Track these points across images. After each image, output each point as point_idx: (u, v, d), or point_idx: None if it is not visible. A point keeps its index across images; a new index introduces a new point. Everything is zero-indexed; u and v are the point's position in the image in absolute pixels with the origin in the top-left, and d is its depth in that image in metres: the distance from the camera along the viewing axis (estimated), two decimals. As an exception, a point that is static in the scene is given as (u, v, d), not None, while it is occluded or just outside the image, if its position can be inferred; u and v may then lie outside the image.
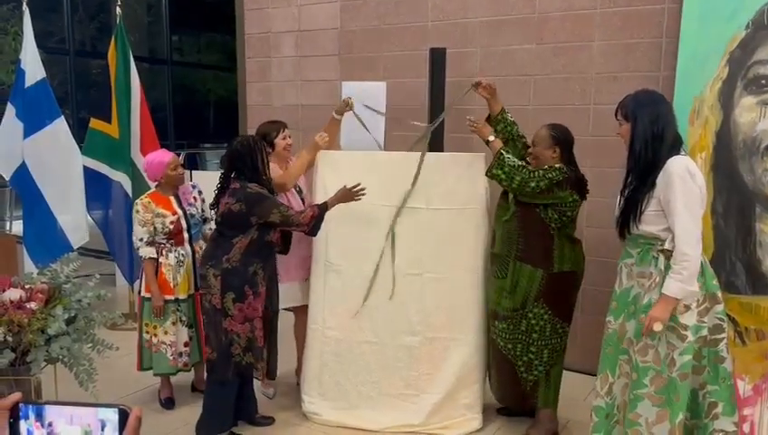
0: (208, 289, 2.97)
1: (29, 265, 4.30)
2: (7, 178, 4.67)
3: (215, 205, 3.08)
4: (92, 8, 10.26)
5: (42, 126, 4.49)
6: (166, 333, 3.32)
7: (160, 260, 3.30)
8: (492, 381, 3.27)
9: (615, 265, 3.65)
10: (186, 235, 3.35)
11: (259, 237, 2.96)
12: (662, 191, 2.39)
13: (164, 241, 3.31)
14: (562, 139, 2.97)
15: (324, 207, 3.04)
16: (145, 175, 4.48)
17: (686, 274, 2.34)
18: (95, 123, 4.75)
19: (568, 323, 3.06)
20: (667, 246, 2.41)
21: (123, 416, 0.75)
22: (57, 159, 4.52)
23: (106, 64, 4.71)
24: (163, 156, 3.36)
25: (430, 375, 3.19)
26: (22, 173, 4.53)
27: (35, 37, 4.54)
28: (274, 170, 3.28)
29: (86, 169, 4.62)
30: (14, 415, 0.75)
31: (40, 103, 4.48)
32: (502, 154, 2.94)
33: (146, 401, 3.54)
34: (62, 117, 4.58)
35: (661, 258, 2.43)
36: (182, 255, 3.33)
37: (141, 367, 3.42)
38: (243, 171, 2.98)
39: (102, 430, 0.75)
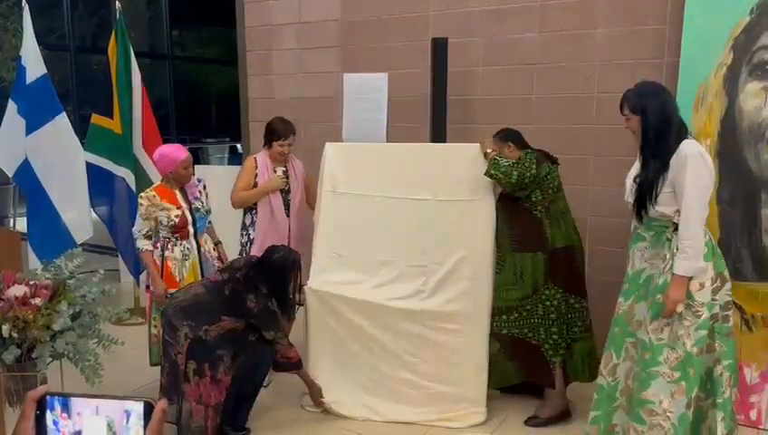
0: (176, 344, 2.84)
1: (33, 262, 4.31)
2: (11, 176, 4.67)
3: (236, 293, 2.93)
4: (92, 4, 10.23)
5: (44, 122, 4.48)
6: None
7: (165, 254, 3.29)
8: (502, 370, 3.19)
9: (620, 253, 3.65)
10: (191, 228, 3.33)
11: (244, 331, 2.91)
12: (675, 172, 2.50)
13: (169, 235, 3.29)
14: (509, 134, 3.21)
15: (300, 366, 3.10)
16: (148, 167, 4.52)
17: (691, 251, 2.47)
18: (97, 119, 4.74)
19: (583, 297, 3.14)
20: (677, 221, 2.53)
21: (148, 409, 0.75)
22: (60, 156, 4.52)
23: (107, 60, 4.70)
24: (178, 152, 3.30)
25: (435, 367, 3.18)
26: (25, 170, 4.52)
27: (35, 34, 4.52)
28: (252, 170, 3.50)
29: (89, 165, 4.62)
30: (41, 407, 0.76)
31: (41, 100, 4.47)
32: (495, 158, 3.10)
33: (152, 395, 3.55)
34: (64, 113, 4.57)
35: (674, 240, 2.54)
36: (187, 248, 3.32)
37: (152, 362, 3.43)
38: (269, 283, 2.94)
39: (127, 421, 0.75)
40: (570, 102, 3.73)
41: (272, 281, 2.94)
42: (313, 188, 3.54)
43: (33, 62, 4.47)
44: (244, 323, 2.90)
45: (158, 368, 3.41)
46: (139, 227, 3.28)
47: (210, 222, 3.55)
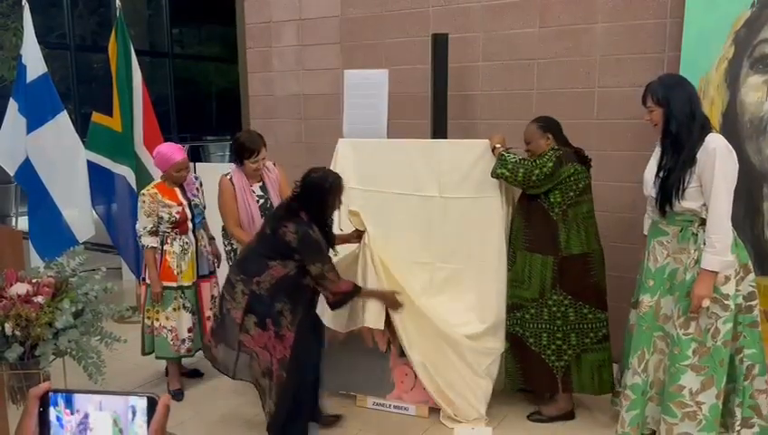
0: (232, 300, 2.80)
1: (35, 260, 4.31)
2: (12, 174, 4.67)
3: (275, 225, 2.79)
4: (92, 2, 10.23)
5: (44, 121, 4.48)
6: (167, 318, 3.39)
7: (165, 248, 3.37)
8: (510, 371, 3.18)
9: (622, 248, 3.64)
10: (190, 224, 3.42)
11: (296, 276, 2.78)
12: (702, 167, 2.49)
13: (169, 230, 3.37)
14: (550, 125, 3.04)
15: (358, 291, 2.89)
16: (149, 165, 4.52)
17: (720, 246, 2.46)
18: (97, 117, 4.74)
19: (598, 308, 3.02)
20: (704, 215, 2.52)
21: (152, 404, 0.75)
22: (61, 154, 4.52)
23: (107, 58, 4.70)
24: (174, 154, 3.35)
25: (440, 363, 3.16)
26: (26, 169, 4.53)
27: (36, 32, 4.52)
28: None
29: (89, 163, 4.62)
30: (44, 404, 0.76)
31: (42, 98, 4.47)
32: (503, 154, 3.02)
33: (154, 391, 3.56)
34: (65, 111, 4.57)
35: (701, 234, 2.53)
36: (186, 243, 3.41)
37: (144, 351, 3.49)
38: (309, 207, 2.78)
39: (133, 417, 0.75)
40: (570, 97, 3.72)
41: (310, 203, 2.78)
42: (285, 186, 3.51)
43: (34, 61, 4.47)
44: (293, 265, 2.76)
45: (156, 364, 3.46)
46: (144, 223, 3.35)
47: (204, 218, 3.61)
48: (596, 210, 3.09)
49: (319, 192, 2.79)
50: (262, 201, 3.44)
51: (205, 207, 3.58)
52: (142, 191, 3.41)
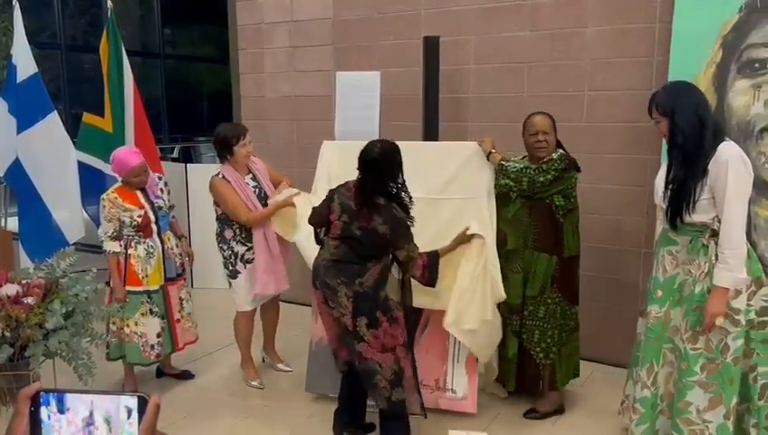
0: (338, 307, 2.72)
1: (25, 261, 4.29)
2: (1, 175, 4.65)
3: (353, 216, 2.70)
4: (83, 2, 10.19)
5: (35, 121, 4.46)
6: (136, 324, 3.33)
7: (129, 252, 3.31)
8: (508, 376, 3.21)
9: (610, 250, 3.68)
10: (154, 227, 3.36)
11: (391, 262, 2.77)
12: (714, 178, 2.38)
13: (132, 233, 3.31)
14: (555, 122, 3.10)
15: (435, 255, 2.77)
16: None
17: (734, 262, 2.35)
18: (88, 118, 4.73)
19: (575, 304, 3.14)
20: (715, 227, 2.42)
21: (142, 403, 0.76)
22: (51, 155, 4.50)
23: (98, 59, 4.69)
24: (131, 159, 3.29)
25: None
26: (15, 169, 4.51)
27: (26, 32, 4.51)
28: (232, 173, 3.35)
29: (80, 164, 4.60)
30: (35, 404, 0.76)
31: (32, 99, 4.46)
32: (502, 164, 3.03)
33: (142, 391, 3.54)
34: (55, 112, 4.55)
35: (711, 246, 2.43)
36: (151, 246, 3.34)
37: (109, 357, 3.41)
38: (384, 185, 2.69)
39: (129, 416, 0.76)
40: (561, 101, 3.74)
41: (385, 181, 2.69)
42: (274, 174, 3.56)
43: (24, 61, 4.46)
44: (389, 257, 2.74)
45: (121, 364, 3.42)
46: (105, 229, 3.29)
47: (174, 217, 3.58)
48: (584, 212, 3.13)
49: (388, 164, 2.69)
50: (256, 191, 3.44)
51: (172, 207, 3.54)
52: (102, 196, 3.32)
